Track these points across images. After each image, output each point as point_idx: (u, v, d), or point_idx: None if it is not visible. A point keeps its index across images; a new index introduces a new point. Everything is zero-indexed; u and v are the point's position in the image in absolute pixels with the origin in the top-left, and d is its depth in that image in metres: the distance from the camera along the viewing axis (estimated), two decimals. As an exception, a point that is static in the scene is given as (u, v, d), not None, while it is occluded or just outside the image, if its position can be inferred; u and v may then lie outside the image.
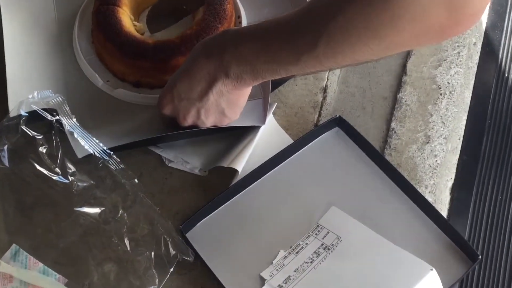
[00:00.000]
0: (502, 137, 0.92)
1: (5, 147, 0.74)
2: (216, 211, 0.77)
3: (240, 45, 0.66)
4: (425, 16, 0.53)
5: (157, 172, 0.79)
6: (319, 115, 0.85)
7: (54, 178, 0.73)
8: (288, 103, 0.85)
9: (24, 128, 0.74)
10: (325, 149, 0.81)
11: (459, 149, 0.87)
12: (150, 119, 0.81)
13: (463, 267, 0.74)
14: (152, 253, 0.71)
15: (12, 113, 0.75)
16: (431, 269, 0.70)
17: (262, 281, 0.72)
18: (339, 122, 0.82)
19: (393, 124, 0.85)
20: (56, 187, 0.73)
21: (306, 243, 0.74)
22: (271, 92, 0.80)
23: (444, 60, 0.90)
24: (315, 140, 0.82)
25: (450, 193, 0.84)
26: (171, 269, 0.71)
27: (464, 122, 0.89)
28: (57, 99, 0.76)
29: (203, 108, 0.72)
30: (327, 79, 0.87)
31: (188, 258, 0.72)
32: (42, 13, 0.88)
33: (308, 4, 0.61)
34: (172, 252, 0.72)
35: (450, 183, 0.85)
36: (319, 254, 0.73)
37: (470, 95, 0.91)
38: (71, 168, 0.73)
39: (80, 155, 0.74)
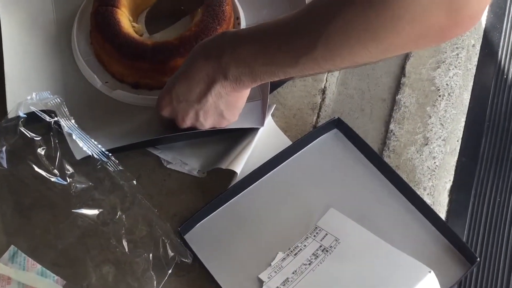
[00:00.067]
0: (501, 139, 0.92)
1: (4, 149, 0.74)
2: (214, 212, 0.77)
3: (239, 47, 0.66)
4: (424, 18, 0.53)
5: (156, 174, 0.79)
6: (318, 116, 0.85)
7: (52, 179, 0.73)
8: (286, 104, 0.85)
9: (22, 129, 0.74)
10: (323, 151, 0.81)
11: (458, 151, 0.87)
12: (148, 120, 0.81)
13: (461, 269, 0.74)
14: (150, 255, 0.71)
15: (11, 114, 0.75)
16: (429, 271, 0.70)
17: (261, 283, 0.72)
18: (338, 124, 0.82)
19: (391, 126, 0.85)
20: (54, 188, 0.73)
21: (305, 245, 0.74)
22: (270, 93, 0.80)
23: (443, 61, 0.90)
24: (314, 142, 0.82)
25: (449, 195, 0.84)
26: (169, 271, 0.71)
27: (463, 124, 0.89)
28: (56, 100, 0.76)
29: (201, 110, 0.72)
30: (326, 80, 0.87)
31: (187, 260, 0.72)
32: (40, 14, 0.88)
33: (307, 6, 0.61)
34: (170, 254, 0.72)
35: (448, 185, 0.85)
36: (317, 256, 0.73)
37: (469, 97, 0.91)
38: (70, 169, 0.74)
39: (78, 156, 0.74)
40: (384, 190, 0.78)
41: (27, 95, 0.76)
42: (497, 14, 1.01)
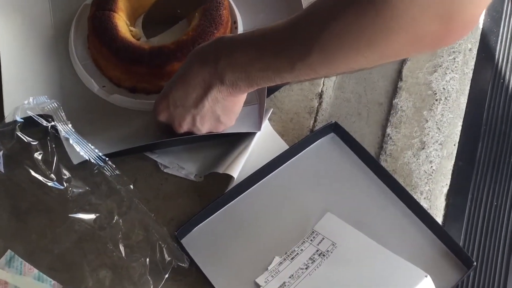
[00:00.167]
0: (498, 143, 0.92)
1: (0, 153, 0.74)
2: (211, 217, 0.77)
3: (235, 52, 0.66)
4: (417, 26, 0.53)
5: (153, 178, 0.79)
6: (315, 120, 0.85)
7: (49, 184, 0.73)
8: (283, 108, 0.85)
9: (19, 134, 0.74)
10: (320, 155, 0.81)
11: (455, 155, 0.87)
12: (146, 124, 0.81)
13: (458, 273, 0.74)
14: (147, 259, 0.71)
15: (8, 119, 0.75)
16: (426, 276, 0.70)
17: (257, 287, 0.72)
18: (335, 128, 0.82)
19: (388, 130, 0.85)
20: (51, 193, 0.73)
21: (301, 249, 0.74)
22: (266, 97, 0.80)
23: (440, 66, 0.90)
24: (311, 146, 0.82)
25: (446, 199, 0.85)
26: (166, 276, 0.71)
27: (460, 128, 0.89)
28: (53, 105, 0.76)
29: (198, 115, 0.72)
30: (323, 84, 0.87)
31: (183, 265, 0.72)
32: (38, 18, 0.88)
33: (303, 12, 0.61)
34: (167, 258, 0.72)
35: (445, 189, 0.85)
36: (314, 260, 0.73)
37: (466, 101, 0.92)
38: (66, 174, 0.74)
39: (75, 161, 0.74)
40: (380, 194, 0.78)
41: (24, 99, 0.76)
42: (494, 18, 1.01)
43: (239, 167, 0.76)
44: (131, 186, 0.74)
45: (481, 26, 1.00)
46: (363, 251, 0.74)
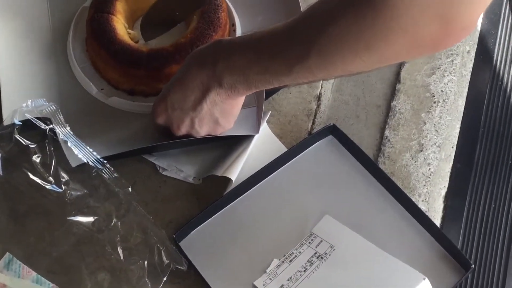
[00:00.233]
0: (496, 145, 0.92)
1: (-1, 156, 0.74)
2: (209, 219, 0.77)
3: (234, 54, 0.66)
4: (416, 29, 0.53)
5: (151, 181, 0.79)
6: (313, 123, 0.85)
7: (47, 187, 0.73)
8: (282, 111, 0.85)
9: (17, 137, 0.74)
10: (318, 157, 0.82)
11: (453, 157, 0.88)
12: (144, 127, 0.81)
13: (456, 276, 0.74)
14: (146, 262, 0.71)
15: (6, 121, 0.75)
16: (424, 279, 0.70)
17: (256, 290, 0.72)
18: (333, 130, 0.83)
19: (386, 132, 0.86)
20: (49, 196, 0.73)
21: (300, 252, 0.74)
22: (265, 100, 0.80)
23: (438, 68, 0.91)
24: (309, 148, 0.82)
25: (444, 201, 0.85)
26: (164, 278, 0.71)
27: (458, 130, 0.89)
28: (51, 107, 0.76)
29: (197, 118, 0.72)
30: (321, 87, 0.87)
31: (182, 267, 0.72)
32: (36, 21, 0.88)
33: (301, 15, 0.61)
34: (166, 261, 0.72)
35: (443, 191, 0.85)
36: (312, 263, 0.73)
37: (464, 103, 0.92)
38: (65, 177, 0.74)
39: (73, 164, 0.74)
40: (379, 197, 0.78)
41: (22, 102, 0.76)
42: (492, 20, 1.01)
43: (238, 170, 0.76)
44: (130, 189, 0.74)
45: (479, 28, 1.00)
46: (361, 253, 0.74)
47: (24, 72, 0.84)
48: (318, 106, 0.86)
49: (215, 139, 0.78)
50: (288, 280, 0.72)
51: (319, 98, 0.87)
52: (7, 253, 0.72)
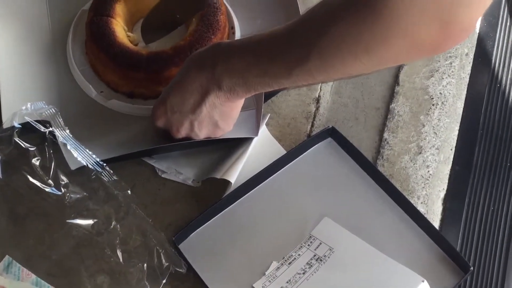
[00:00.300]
0: (494, 147, 0.92)
1: (-2, 159, 0.74)
2: (209, 222, 0.77)
3: (233, 57, 0.67)
4: (415, 31, 0.53)
5: (150, 183, 0.79)
6: (312, 125, 0.85)
7: (47, 189, 0.73)
8: (281, 113, 0.85)
9: (17, 139, 0.74)
10: (317, 160, 0.82)
11: (451, 159, 0.88)
12: (144, 130, 0.81)
13: (455, 278, 0.74)
14: (145, 264, 0.71)
15: (5, 124, 0.75)
16: (423, 281, 0.70)
17: (255, 292, 0.72)
18: (332, 133, 0.83)
19: (385, 135, 0.86)
20: (48, 198, 0.73)
21: (299, 254, 0.74)
22: (264, 103, 0.80)
23: (437, 70, 0.91)
24: (308, 150, 0.82)
25: (443, 204, 0.85)
26: (164, 281, 0.71)
27: (456, 132, 0.89)
28: (50, 110, 0.77)
29: (196, 121, 0.72)
30: (320, 89, 0.87)
31: (181, 270, 0.72)
32: (36, 24, 0.88)
33: (300, 18, 0.61)
34: (165, 263, 0.72)
35: (442, 194, 0.85)
36: (311, 265, 0.73)
37: (462, 105, 0.92)
38: (64, 179, 0.74)
39: (73, 166, 0.74)
40: (378, 199, 0.79)
41: (22, 105, 0.77)
42: (490, 22, 1.02)
43: (237, 172, 0.76)
44: (129, 192, 0.74)
45: (477, 31, 1.00)
46: (360, 256, 0.74)
47: (24, 75, 0.84)
48: (317, 108, 0.86)
49: (215, 142, 0.78)
50: (287, 282, 0.72)
51: (318, 100, 0.87)
52: (7, 256, 0.72)
